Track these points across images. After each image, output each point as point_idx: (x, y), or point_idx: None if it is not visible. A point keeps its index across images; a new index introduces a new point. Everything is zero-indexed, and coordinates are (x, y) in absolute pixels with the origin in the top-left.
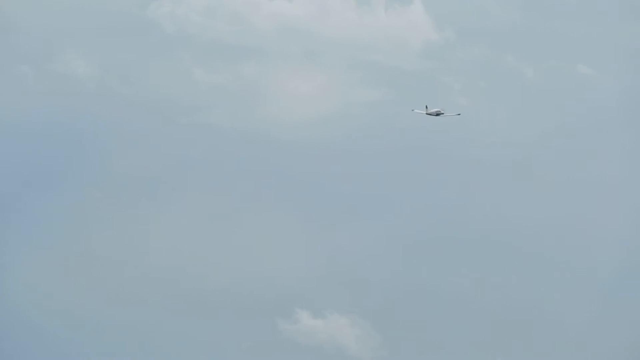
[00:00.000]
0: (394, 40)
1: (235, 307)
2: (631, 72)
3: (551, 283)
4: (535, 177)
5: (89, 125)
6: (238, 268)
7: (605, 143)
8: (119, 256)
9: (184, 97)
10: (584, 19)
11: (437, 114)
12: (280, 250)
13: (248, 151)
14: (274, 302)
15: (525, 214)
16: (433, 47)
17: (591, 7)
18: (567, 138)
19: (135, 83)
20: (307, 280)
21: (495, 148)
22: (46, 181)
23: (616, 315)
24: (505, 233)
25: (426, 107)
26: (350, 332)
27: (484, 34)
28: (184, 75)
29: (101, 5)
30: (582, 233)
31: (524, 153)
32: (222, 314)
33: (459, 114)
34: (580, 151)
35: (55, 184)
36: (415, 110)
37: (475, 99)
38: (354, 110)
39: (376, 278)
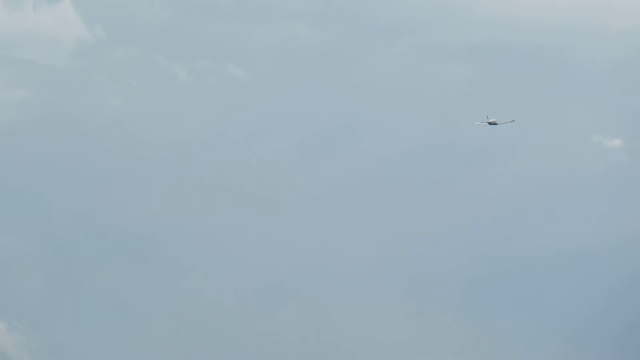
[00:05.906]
0: (45, 39)
1: None
2: (282, 74)
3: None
4: (185, 177)
5: None
6: None
7: (257, 144)
8: None
9: None
10: (235, 19)
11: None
12: None
13: None
14: None
15: (174, 214)
16: (84, 45)
17: (241, 9)
18: (217, 140)
19: None
20: None
21: (147, 148)
22: None
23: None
24: (155, 232)
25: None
26: (9, 337)
27: (134, 33)
28: None
29: None
30: (221, 237)
31: (175, 153)
32: None
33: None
34: (232, 156)
35: None
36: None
37: (127, 99)
38: (2, 110)
39: (33, 281)
